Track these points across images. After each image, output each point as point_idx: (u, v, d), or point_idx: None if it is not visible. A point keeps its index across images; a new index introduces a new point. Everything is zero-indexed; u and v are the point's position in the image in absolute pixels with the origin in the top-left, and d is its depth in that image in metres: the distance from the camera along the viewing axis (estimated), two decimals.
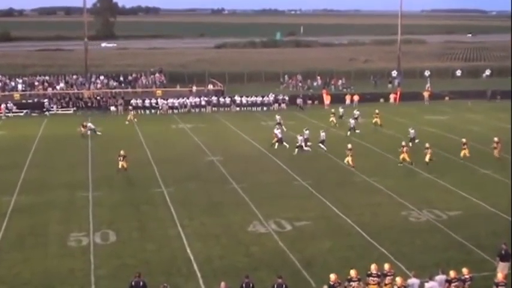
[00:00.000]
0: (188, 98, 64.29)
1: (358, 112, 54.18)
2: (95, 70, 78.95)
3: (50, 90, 66.75)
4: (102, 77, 72.09)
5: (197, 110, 62.94)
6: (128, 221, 27.97)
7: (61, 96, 64.60)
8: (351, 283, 18.92)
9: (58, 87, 68.00)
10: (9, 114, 59.91)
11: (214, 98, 64.72)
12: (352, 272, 19.12)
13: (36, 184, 33.80)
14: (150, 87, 71.23)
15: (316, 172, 36.63)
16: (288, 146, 42.39)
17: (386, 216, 28.70)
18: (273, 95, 65.80)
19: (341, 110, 56.23)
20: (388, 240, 25.47)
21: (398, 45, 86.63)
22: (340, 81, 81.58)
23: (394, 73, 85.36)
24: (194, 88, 70.55)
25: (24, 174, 36.18)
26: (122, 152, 36.12)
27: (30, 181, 33.95)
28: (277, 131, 44.02)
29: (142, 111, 61.78)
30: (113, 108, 61.69)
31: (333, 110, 54.20)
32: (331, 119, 52.57)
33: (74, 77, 71.82)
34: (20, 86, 67.78)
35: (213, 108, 63.44)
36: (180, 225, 27.43)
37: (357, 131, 48.42)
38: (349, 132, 47.05)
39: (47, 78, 70.59)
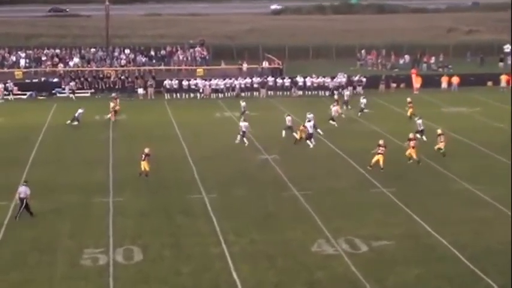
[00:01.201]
0: (237, 79, 64.67)
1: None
2: (118, 42, 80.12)
3: (61, 66, 68.11)
4: (127, 51, 73.13)
5: (248, 93, 63.20)
6: (158, 235, 28.27)
7: (75, 74, 65.87)
8: None
9: (71, 63, 69.37)
10: (9, 97, 61.04)
11: (270, 79, 64.89)
12: None
13: (42, 186, 34.24)
14: (188, 65, 71.84)
15: (402, 177, 36.26)
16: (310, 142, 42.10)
17: (494, 236, 28.20)
18: (347, 76, 65.52)
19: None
20: (496, 268, 25.01)
21: None
22: (434, 58, 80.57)
23: (508, 48, 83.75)
24: (245, 66, 70.80)
25: (27, 173, 36.98)
26: (146, 150, 36.01)
27: (34, 183, 34.50)
28: (243, 125, 43.69)
29: (178, 94, 62.44)
30: (140, 90, 62.56)
31: (409, 99, 53.50)
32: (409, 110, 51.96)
33: (92, 50, 73.07)
34: (22, 62, 69.25)
35: (269, 92, 63.68)
36: (224, 241, 27.56)
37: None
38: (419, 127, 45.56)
39: (57, 51, 72.00)
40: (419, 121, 45.08)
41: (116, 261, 25.68)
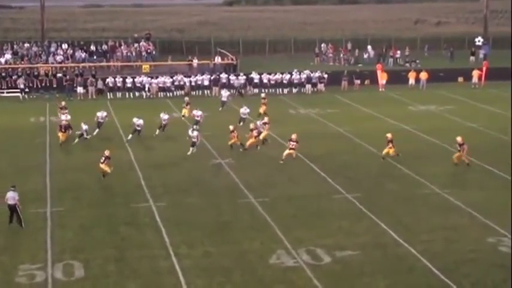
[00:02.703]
0: (187, 76, 64.54)
1: None
2: (55, 36, 79.60)
3: None
4: (65, 46, 72.64)
5: (199, 92, 63.17)
6: (101, 248, 28.08)
7: (6, 72, 65.17)
8: None
9: (2, 59, 68.67)
10: None
11: (223, 76, 64.92)
12: None
13: None
14: (133, 61, 71.61)
15: (367, 181, 36.54)
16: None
17: (467, 245, 28.53)
18: (306, 72, 65.89)
19: None
20: (469, 279, 25.31)
21: (485, 1, 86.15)
22: (400, 52, 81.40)
23: (479, 41, 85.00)
24: (195, 62, 70.80)
25: None
26: (106, 153, 36.65)
27: None
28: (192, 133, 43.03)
29: (122, 93, 62.14)
30: (80, 89, 62.15)
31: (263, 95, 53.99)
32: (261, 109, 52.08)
33: (26, 45, 72.46)
34: None
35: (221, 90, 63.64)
36: (174, 254, 27.49)
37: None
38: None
39: None
40: (259, 122, 44.84)
41: (54, 277, 25.43)
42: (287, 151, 39.70)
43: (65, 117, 45.55)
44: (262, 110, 51.02)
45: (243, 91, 62.58)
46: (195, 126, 43.71)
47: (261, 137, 43.04)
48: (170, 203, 33.38)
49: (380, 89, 65.17)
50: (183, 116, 50.89)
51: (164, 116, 46.00)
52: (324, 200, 34.08)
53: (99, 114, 47.45)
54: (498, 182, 36.94)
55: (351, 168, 38.45)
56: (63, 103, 50.43)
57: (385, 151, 39.85)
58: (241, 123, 47.30)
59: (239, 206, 33.18)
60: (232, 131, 42.26)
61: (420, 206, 33.14)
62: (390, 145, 39.85)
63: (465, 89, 65.34)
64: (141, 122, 45.13)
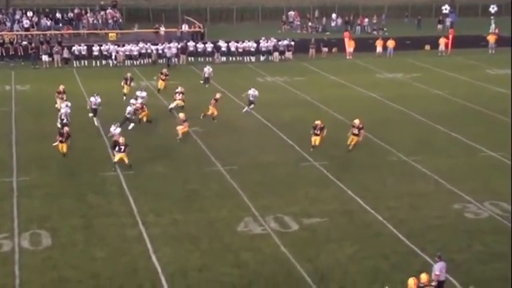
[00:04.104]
0: (154, 44, 64.17)
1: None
2: (19, 3, 78.62)
3: None
4: (30, 14, 71.80)
5: (166, 60, 62.83)
6: (68, 217, 28.02)
7: None
8: None
9: None
10: None
11: (190, 44, 64.60)
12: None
13: None
14: (99, 29, 71.02)
15: (335, 149, 36.66)
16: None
17: (432, 211, 28.91)
18: (274, 40, 65.76)
19: None
20: (434, 245, 25.63)
21: None
22: (368, 20, 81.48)
23: (446, 9, 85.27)
24: (162, 30, 70.36)
25: None
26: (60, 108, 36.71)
27: None
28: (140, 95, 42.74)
29: (88, 61, 61.62)
30: (46, 57, 61.44)
31: (164, 70, 51.59)
32: None
33: None
34: None
35: (189, 58, 63.46)
36: (142, 223, 27.53)
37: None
38: None
39: None
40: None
41: (21, 247, 25.37)
42: (351, 138, 36.00)
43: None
44: (161, 85, 49.26)
45: (174, 60, 61.77)
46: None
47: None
48: (138, 171, 33.28)
49: (347, 57, 65.25)
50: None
51: (142, 94, 43.99)
52: (291, 168, 34.21)
53: (92, 99, 43.06)
54: (464, 149, 37.28)
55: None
56: (61, 87, 44.33)
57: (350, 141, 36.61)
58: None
59: (207, 174, 33.20)
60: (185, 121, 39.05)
61: (387, 173, 33.39)
62: (356, 131, 35.93)
63: (432, 56, 65.65)
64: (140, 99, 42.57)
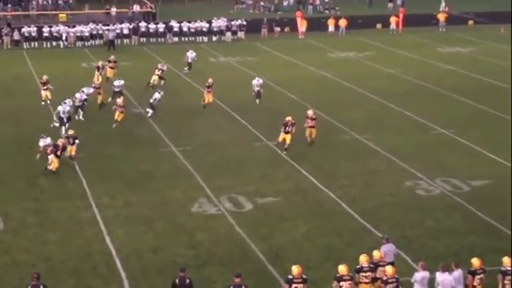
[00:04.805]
0: (105, 25, 63.60)
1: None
2: None
3: None
4: None
5: (118, 41, 62.32)
6: (19, 200, 27.78)
7: None
8: (341, 283, 19.21)
9: None
10: None
11: (142, 25, 64.18)
12: (342, 269, 19.41)
13: None
14: (49, 10, 70.22)
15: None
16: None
17: (385, 189, 29.17)
18: (226, 20, 65.56)
19: None
20: (387, 222, 25.89)
21: None
22: None
23: None
24: (113, 10, 69.82)
25: None
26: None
27: None
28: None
29: (38, 43, 60.91)
30: None
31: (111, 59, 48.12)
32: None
33: None
34: None
35: (141, 39, 63.05)
36: (95, 205, 27.41)
37: None
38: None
39: None
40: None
41: None
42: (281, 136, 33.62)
43: (62, 106, 36.28)
44: (109, 73, 46.67)
45: (114, 42, 60.64)
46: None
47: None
48: (91, 153, 33.08)
49: (300, 37, 65.32)
50: (108, 78, 45.94)
51: (120, 82, 41.92)
52: (245, 148, 34.27)
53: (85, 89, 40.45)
54: (415, 126, 37.64)
55: (272, 116, 38.58)
56: (44, 77, 41.81)
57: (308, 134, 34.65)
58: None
59: (160, 155, 33.13)
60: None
61: (340, 152, 33.59)
62: (312, 123, 34.30)
63: (383, 35, 65.96)
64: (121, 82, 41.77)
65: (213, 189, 28.87)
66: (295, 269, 19.17)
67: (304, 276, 19.14)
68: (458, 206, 27.40)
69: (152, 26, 64.23)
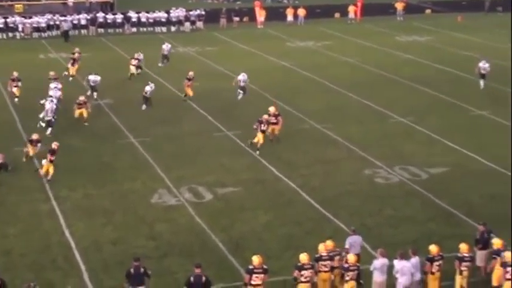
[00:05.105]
0: (62, 15, 63.04)
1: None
2: None
3: None
4: None
5: (75, 32, 61.82)
6: None
7: None
8: (302, 272, 19.31)
9: None
10: None
11: (100, 15, 63.74)
12: (304, 257, 19.51)
13: None
14: (5, 0, 69.42)
15: (247, 118, 36.71)
16: None
17: (344, 177, 29.39)
18: (184, 10, 65.35)
19: None
20: (346, 210, 26.13)
21: None
22: None
23: None
24: (70, 1, 69.18)
25: None
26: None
27: None
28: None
29: None
30: None
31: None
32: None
33: None
34: None
35: (99, 30, 62.65)
36: (54, 197, 27.28)
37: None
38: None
39: None
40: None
41: None
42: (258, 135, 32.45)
43: (50, 104, 35.03)
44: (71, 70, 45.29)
45: (69, 33, 59.92)
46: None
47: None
48: (49, 146, 32.82)
49: (258, 26, 65.39)
50: (71, 76, 44.85)
51: (96, 78, 40.85)
52: (204, 138, 34.26)
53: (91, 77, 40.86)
54: (374, 115, 37.89)
55: (231, 106, 38.63)
56: (15, 74, 40.11)
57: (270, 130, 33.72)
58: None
59: (119, 147, 33.02)
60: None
61: (299, 141, 33.69)
62: (274, 119, 33.48)
63: (342, 24, 66.31)
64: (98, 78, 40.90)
65: (173, 180, 28.84)
66: (256, 259, 19.24)
67: (264, 266, 19.23)
68: (417, 193, 27.69)
69: (110, 16, 63.93)
